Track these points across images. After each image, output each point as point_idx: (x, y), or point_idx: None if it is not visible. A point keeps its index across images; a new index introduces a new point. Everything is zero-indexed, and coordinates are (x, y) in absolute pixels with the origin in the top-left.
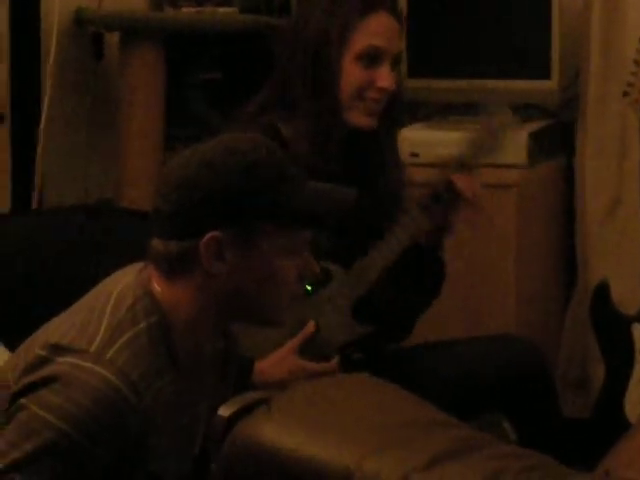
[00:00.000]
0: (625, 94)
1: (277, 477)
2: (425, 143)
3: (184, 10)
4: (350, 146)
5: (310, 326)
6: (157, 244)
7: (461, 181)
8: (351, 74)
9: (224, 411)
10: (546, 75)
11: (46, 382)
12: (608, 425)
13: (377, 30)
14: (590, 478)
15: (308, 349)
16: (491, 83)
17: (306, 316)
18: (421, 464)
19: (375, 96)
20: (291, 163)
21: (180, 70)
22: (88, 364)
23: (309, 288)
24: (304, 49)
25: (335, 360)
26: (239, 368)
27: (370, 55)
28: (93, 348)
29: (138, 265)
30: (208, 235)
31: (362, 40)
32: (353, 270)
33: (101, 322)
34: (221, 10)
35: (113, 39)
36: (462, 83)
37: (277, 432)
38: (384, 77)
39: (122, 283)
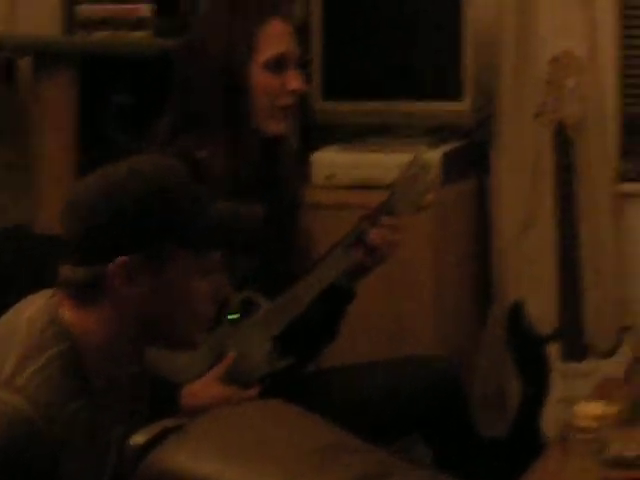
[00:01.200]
0: (537, 115)
1: None
2: (340, 166)
3: (97, 34)
4: (263, 159)
5: (230, 357)
6: (66, 270)
7: (379, 233)
8: (262, 83)
9: (138, 439)
10: (459, 96)
11: None
12: (524, 444)
13: (279, 36)
14: None
15: (232, 377)
16: (405, 105)
17: (230, 345)
18: None
19: (288, 101)
20: (197, 184)
21: (94, 94)
22: None
23: (234, 317)
24: (210, 67)
25: (256, 389)
26: (163, 393)
27: (277, 62)
28: (2, 376)
29: (45, 293)
30: (117, 260)
31: (267, 49)
32: (277, 303)
33: (11, 349)
34: (135, 34)
35: (25, 64)
36: (377, 105)
37: (191, 459)
38: (294, 80)
39: (32, 310)
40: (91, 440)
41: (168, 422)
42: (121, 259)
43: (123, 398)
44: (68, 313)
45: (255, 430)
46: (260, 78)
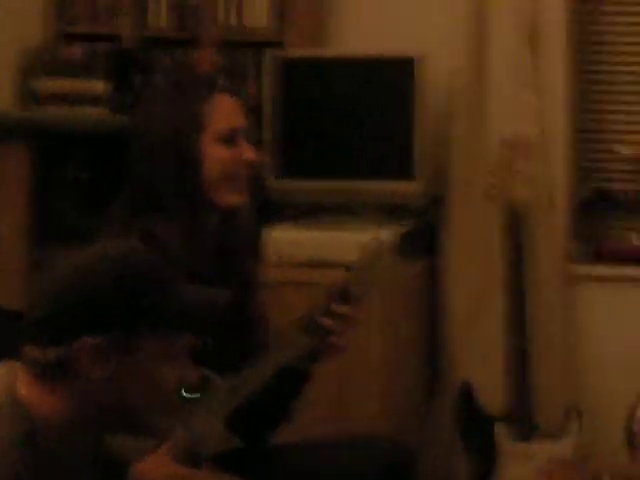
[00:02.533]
0: (487, 196)
1: None
2: (292, 244)
3: (52, 110)
4: (219, 234)
5: (183, 434)
6: (31, 351)
7: (338, 315)
8: (215, 156)
9: None
10: (410, 176)
11: None
12: None
13: (228, 110)
14: None
15: (183, 455)
16: (358, 184)
17: (182, 421)
18: None
19: (243, 171)
20: (166, 267)
21: (49, 170)
22: None
23: (186, 394)
24: (159, 146)
25: (208, 469)
26: (113, 470)
27: (228, 135)
28: None
29: (5, 365)
30: (85, 342)
31: (219, 122)
32: (231, 382)
33: None
34: (90, 110)
35: None
36: (330, 184)
37: None
38: (247, 151)
39: None
40: None
41: None
42: (88, 340)
43: (76, 474)
44: (27, 392)
45: None
46: (212, 151)
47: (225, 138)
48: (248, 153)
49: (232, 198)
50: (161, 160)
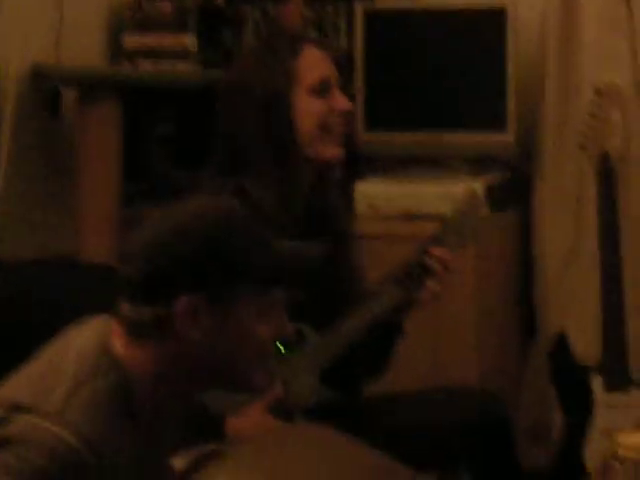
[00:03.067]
0: (581, 146)
1: None
2: (383, 196)
3: (142, 65)
4: (313, 190)
5: (278, 389)
6: (127, 309)
7: (435, 258)
8: (310, 108)
9: (178, 463)
10: (502, 128)
11: (3, 443)
12: (568, 476)
13: (318, 61)
14: None
15: (277, 409)
16: (448, 136)
17: (277, 376)
18: None
19: (339, 121)
20: (261, 225)
21: (138, 125)
22: (46, 424)
23: (281, 348)
24: (252, 104)
25: (298, 423)
26: (209, 423)
27: (320, 86)
28: (52, 408)
29: (97, 321)
30: (183, 301)
31: (308, 75)
32: (326, 335)
33: (60, 380)
34: (179, 65)
35: (70, 94)
36: (419, 136)
37: None
38: (341, 101)
39: (82, 339)
40: (138, 474)
41: (208, 447)
42: (186, 300)
43: (171, 432)
44: (121, 346)
45: (295, 456)
46: (306, 104)
47: (318, 89)
48: (342, 103)
49: (328, 151)
50: (254, 117)
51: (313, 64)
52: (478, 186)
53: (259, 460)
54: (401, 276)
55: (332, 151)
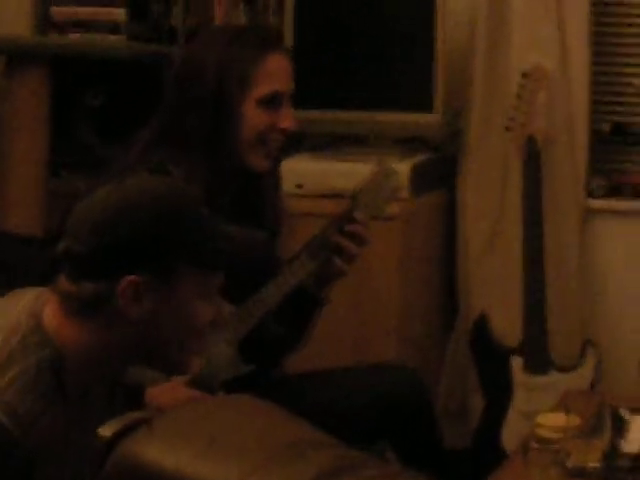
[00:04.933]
0: (507, 128)
1: None
2: (310, 174)
3: (71, 37)
4: (239, 187)
5: (198, 361)
6: (67, 284)
7: (342, 239)
8: (253, 118)
9: (105, 431)
10: (429, 108)
11: None
12: (486, 455)
13: (277, 73)
14: None
15: (195, 381)
16: (376, 115)
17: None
18: None
19: (278, 137)
20: (207, 209)
21: (66, 96)
22: None
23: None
24: (202, 93)
25: (220, 394)
26: (129, 395)
27: (272, 98)
28: None
29: (31, 292)
30: (126, 279)
31: (264, 85)
32: (242, 307)
33: None
34: (109, 38)
35: None
36: (348, 115)
37: (159, 452)
38: (287, 118)
39: (14, 312)
40: (67, 448)
41: (136, 415)
42: (131, 278)
43: (99, 403)
44: (55, 320)
45: (225, 424)
46: (252, 113)
47: (267, 101)
48: (287, 122)
49: (258, 162)
50: (199, 108)
51: (272, 74)
52: (405, 166)
53: (189, 429)
54: (315, 247)
55: (261, 163)
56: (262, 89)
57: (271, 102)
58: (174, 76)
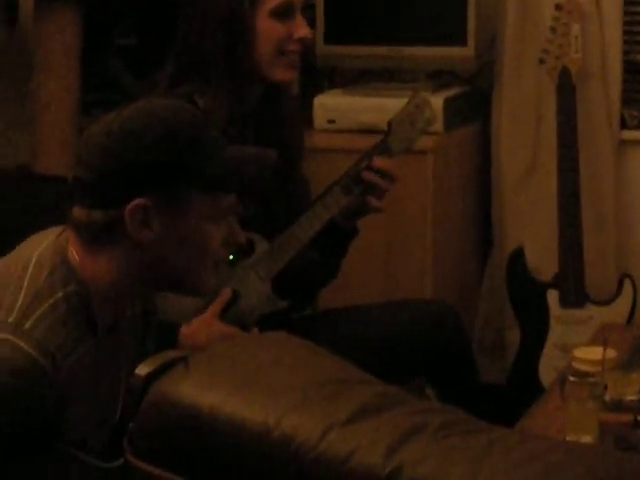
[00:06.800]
0: (541, 61)
1: (195, 435)
2: (342, 110)
3: None
4: (264, 106)
5: (227, 292)
6: (79, 213)
7: (375, 172)
8: (268, 31)
9: (141, 370)
10: (462, 42)
11: None
12: (523, 390)
13: None
14: (509, 433)
15: (230, 317)
16: (408, 50)
17: (228, 285)
18: (341, 419)
19: (295, 48)
20: (212, 128)
21: (97, 34)
22: (4, 335)
23: (232, 257)
24: (214, 16)
25: (255, 331)
26: (163, 333)
27: (284, 9)
28: (11, 319)
29: (55, 231)
30: (134, 202)
31: None
32: (275, 243)
33: (19, 292)
34: None
35: (27, 3)
36: (379, 50)
37: (195, 390)
38: (301, 27)
39: (39, 250)
40: (98, 382)
41: (172, 353)
42: (138, 202)
43: (128, 337)
44: (77, 254)
45: (261, 362)
46: (266, 25)
47: (280, 12)
48: (302, 30)
49: (282, 73)
50: (213, 31)
51: None
52: (438, 99)
53: (226, 367)
54: (347, 181)
55: (285, 74)
56: (273, 0)
57: (284, 13)
58: (187, 9)
